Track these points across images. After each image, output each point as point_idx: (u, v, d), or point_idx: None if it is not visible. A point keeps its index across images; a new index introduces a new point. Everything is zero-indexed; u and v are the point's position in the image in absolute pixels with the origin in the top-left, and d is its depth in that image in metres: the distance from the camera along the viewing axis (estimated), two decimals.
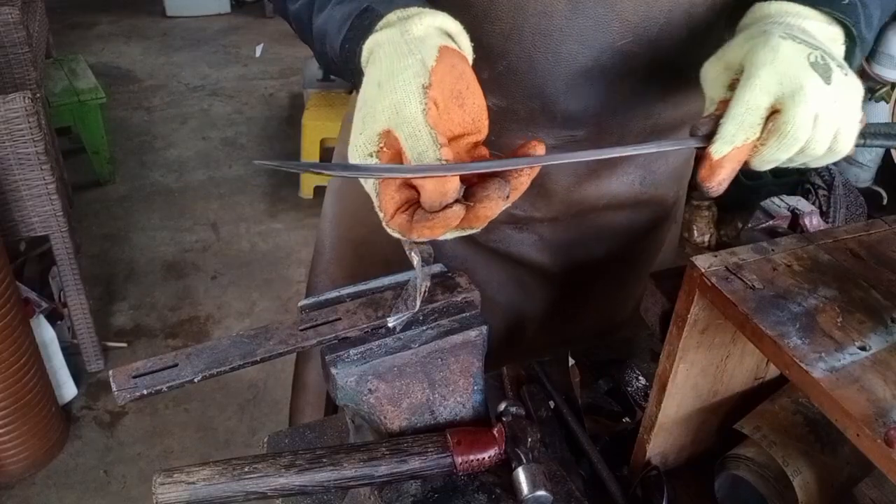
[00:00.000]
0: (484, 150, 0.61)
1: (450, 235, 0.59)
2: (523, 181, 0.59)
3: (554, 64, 0.79)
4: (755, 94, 0.61)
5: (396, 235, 0.60)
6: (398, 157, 0.58)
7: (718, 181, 0.63)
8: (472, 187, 0.57)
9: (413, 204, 0.58)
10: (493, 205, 0.57)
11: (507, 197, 0.57)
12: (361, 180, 0.60)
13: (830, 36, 0.67)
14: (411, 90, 0.56)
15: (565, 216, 0.96)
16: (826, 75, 0.61)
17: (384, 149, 0.57)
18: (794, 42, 0.62)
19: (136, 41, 4.91)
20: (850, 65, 0.69)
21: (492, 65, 0.81)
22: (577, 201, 0.94)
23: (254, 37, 5.04)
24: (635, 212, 1.00)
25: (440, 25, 0.62)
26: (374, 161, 0.58)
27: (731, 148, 0.61)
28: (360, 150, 0.58)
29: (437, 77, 0.56)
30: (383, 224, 0.59)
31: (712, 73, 0.67)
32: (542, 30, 0.77)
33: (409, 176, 0.56)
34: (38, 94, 2.30)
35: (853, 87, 0.63)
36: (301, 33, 0.76)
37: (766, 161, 0.63)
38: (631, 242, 1.04)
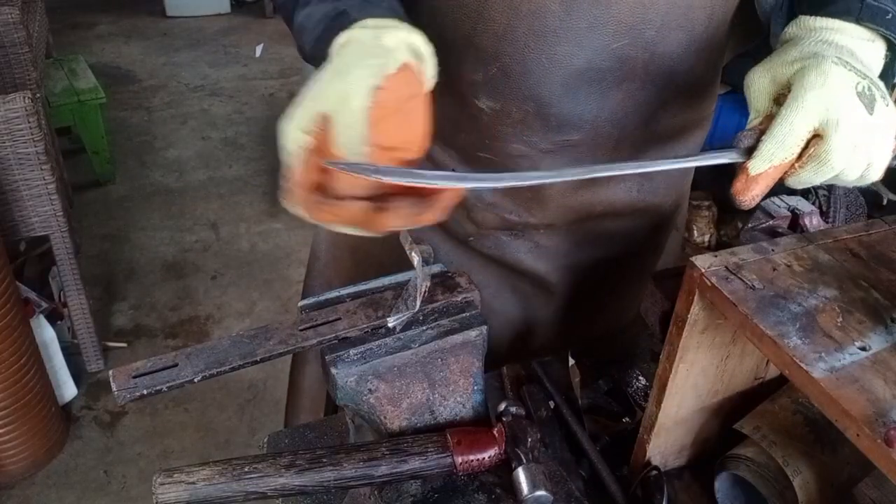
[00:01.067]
0: None
1: (349, 230, 0.61)
2: (443, 207, 0.61)
3: (548, 66, 0.79)
4: (799, 117, 0.61)
5: (295, 210, 0.61)
6: (325, 142, 0.59)
7: (752, 196, 0.64)
8: (391, 196, 0.59)
9: (322, 189, 0.60)
10: (398, 220, 0.59)
11: (418, 217, 0.59)
12: (287, 147, 0.61)
13: (874, 51, 0.69)
14: (362, 85, 0.58)
15: (561, 223, 0.96)
16: (870, 106, 0.62)
17: (318, 130, 0.59)
18: (844, 69, 0.63)
19: (136, 41, 4.91)
20: (893, 75, 0.70)
21: (485, 66, 0.81)
22: (574, 208, 0.93)
23: (254, 37, 5.04)
24: (633, 219, 0.99)
25: (412, 43, 0.63)
26: (305, 138, 0.59)
27: (768, 166, 0.62)
28: (295, 122, 0.59)
29: (389, 84, 0.58)
30: (285, 195, 0.61)
31: (758, 84, 0.68)
32: (535, 30, 0.76)
33: (451, 186, 0.58)
34: (38, 94, 2.30)
35: (892, 118, 0.64)
36: (287, 24, 0.78)
37: (801, 182, 0.64)
38: (629, 250, 1.03)
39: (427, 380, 0.73)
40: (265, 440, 0.92)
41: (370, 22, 0.63)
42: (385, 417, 0.72)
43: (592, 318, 1.09)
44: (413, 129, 0.61)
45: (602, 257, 1.02)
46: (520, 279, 1.02)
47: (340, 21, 0.65)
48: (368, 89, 0.58)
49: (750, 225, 0.90)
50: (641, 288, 0.85)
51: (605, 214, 0.96)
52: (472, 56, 0.79)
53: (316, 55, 0.67)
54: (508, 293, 1.04)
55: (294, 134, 0.60)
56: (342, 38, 0.63)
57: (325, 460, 0.69)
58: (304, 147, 0.59)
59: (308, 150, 0.59)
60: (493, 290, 1.02)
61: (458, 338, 0.72)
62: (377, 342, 0.70)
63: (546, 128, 0.84)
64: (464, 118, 0.87)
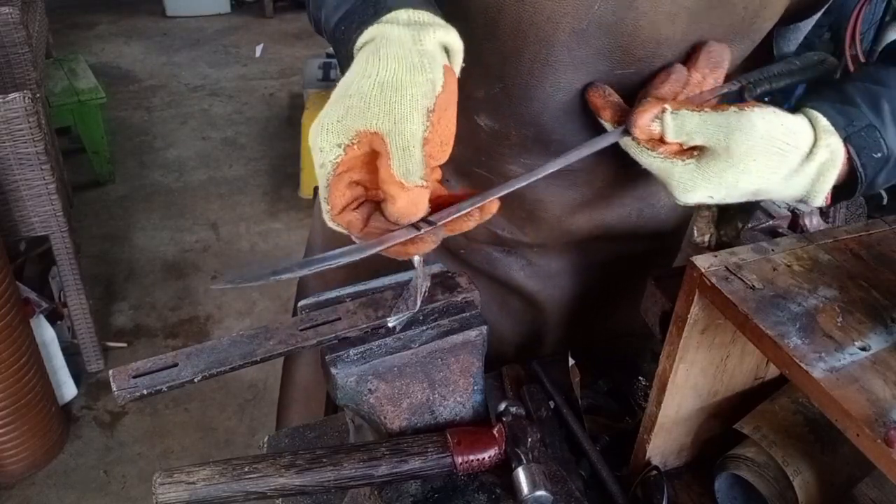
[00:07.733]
0: (439, 173, 0.61)
1: (384, 250, 0.60)
2: (469, 224, 0.62)
3: (552, 93, 0.77)
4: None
5: (340, 230, 0.59)
6: (369, 158, 0.57)
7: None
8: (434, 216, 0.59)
9: (361, 202, 0.58)
10: (426, 246, 0.59)
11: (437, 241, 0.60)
12: (318, 167, 0.57)
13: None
14: (417, 109, 0.55)
15: (555, 243, 0.94)
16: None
17: (355, 145, 0.55)
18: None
19: (136, 41, 4.91)
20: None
21: (488, 84, 0.79)
22: (569, 231, 0.91)
23: (254, 37, 5.04)
24: (631, 243, 0.97)
25: (446, 42, 0.60)
26: (339, 151, 0.55)
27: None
28: (331, 135, 0.55)
29: (439, 102, 0.56)
30: (326, 218, 0.59)
31: None
32: (541, 58, 0.74)
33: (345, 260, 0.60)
34: (38, 94, 2.30)
35: None
36: None
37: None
38: (628, 273, 1.00)
39: (427, 380, 0.73)
40: (265, 440, 0.92)
41: (403, 16, 0.59)
42: (385, 417, 0.72)
43: (586, 335, 1.07)
44: (448, 133, 0.58)
45: (597, 279, 1.00)
46: (510, 295, 1.00)
47: (371, 5, 0.60)
48: (424, 113, 0.55)
49: (750, 225, 0.90)
50: (636, 309, 0.84)
51: (601, 238, 0.94)
52: (477, 72, 0.76)
53: (337, 36, 0.62)
54: (497, 308, 1.02)
55: (330, 148, 0.55)
56: (373, 30, 0.59)
57: (325, 460, 0.69)
58: (337, 162, 0.55)
59: (345, 165, 0.56)
60: (483, 305, 1.01)
61: (458, 338, 0.72)
62: (377, 342, 0.70)
63: (545, 152, 0.82)
64: (463, 131, 0.86)
